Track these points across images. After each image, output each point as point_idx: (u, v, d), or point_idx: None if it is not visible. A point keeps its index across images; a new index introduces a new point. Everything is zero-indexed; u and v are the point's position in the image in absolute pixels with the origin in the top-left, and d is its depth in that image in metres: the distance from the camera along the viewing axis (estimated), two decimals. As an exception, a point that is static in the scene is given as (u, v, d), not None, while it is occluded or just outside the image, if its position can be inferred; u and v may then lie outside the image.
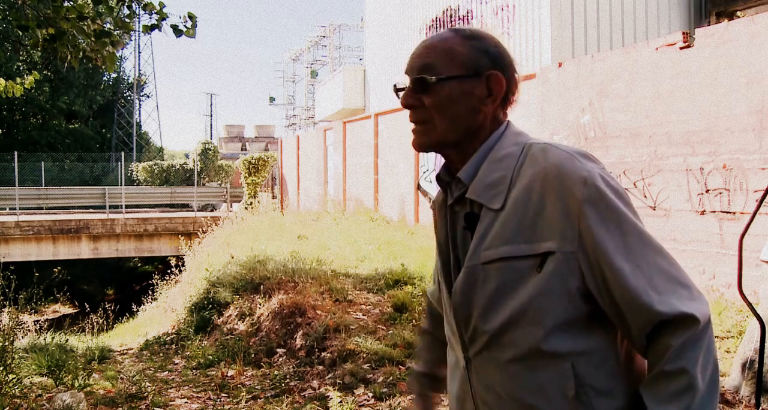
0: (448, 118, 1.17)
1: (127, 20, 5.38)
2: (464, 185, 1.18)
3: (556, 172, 1.07)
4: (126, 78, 40.52)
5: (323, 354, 4.90)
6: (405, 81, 1.24)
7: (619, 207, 1.06)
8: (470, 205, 1.17)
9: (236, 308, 6.74)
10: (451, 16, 12.21)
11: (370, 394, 4.00)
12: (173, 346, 6.81)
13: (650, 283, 1.04)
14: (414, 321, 5.31)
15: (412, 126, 1.23)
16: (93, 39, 4.93)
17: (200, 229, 12.93)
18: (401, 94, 1.22)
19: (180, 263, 10.94)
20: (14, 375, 4.05)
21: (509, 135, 1.19)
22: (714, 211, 5.21)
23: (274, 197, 20.43)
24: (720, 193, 5.14)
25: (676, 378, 1.02)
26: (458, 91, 1.17)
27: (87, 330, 8.13)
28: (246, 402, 4.26)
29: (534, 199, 1.08)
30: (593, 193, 1.05)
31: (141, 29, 5.14)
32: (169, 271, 10.89)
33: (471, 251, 1.14)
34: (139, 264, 26.98)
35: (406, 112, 1.21)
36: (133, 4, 5.17)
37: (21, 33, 4.86)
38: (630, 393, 1.11)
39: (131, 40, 38.71)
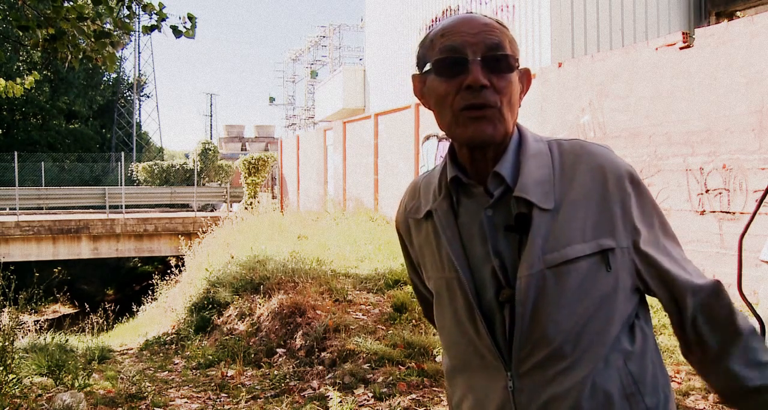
0: (512, 105, 1.08)
1: (127, 21, 5.38)
2: (504, 183, 1.09)
3: (609, 168, 1.08)
4: (126, 78, 40.54)
5: (323, 354, 4.90)
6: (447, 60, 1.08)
7: (653, 200, 1.13)
8: (517, 206, 1.07)
9: (236, 308, 6.74)
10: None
11: (370, 394, 4.00)
12: (173, 346, 6.81)
13: (684, 266, 1.13)
14: (414, 321, 5.31)
15: (466, 112, 1.06)
16: (93, 39, 4.94)
17: (200, 229, 12.93)
18: (441, 74, 1.08)
19: (180, 263, 10.95)
20: (14, 375, 4.05)
21: (525, 131, 1.14)
22: (714, 211, 5.21)
23: (274, 197, 20.43)
24: (720, 193, 5.14)
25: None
26: (516, 79, 1.10)
27: (87, 330, 8.13)
28: (246, 402, 4.26)
29: (589, 197, 1.07)
30: (637, 187, 1.10)
31: (141, 30, 5.14)
32: (169, 271, 10.90)
33: (531, 256, 1.05)
34: (139, 264, 26.98)
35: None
36: (132, 5, 5.17)
37: (21, 33, 4.85)
38: (667, 386, 1.13)
39: (131, 41, 38.76)
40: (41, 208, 22.18)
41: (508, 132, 1.09)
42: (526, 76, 1.15)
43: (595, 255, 1.06)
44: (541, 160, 1.10)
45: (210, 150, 28.00)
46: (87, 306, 12.25)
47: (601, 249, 1.06)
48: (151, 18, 4.99)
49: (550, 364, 1.06)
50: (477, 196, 1.12)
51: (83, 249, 18.65)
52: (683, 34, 5.52)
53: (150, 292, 11.39)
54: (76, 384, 4.61)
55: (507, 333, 1.08)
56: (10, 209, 20.49)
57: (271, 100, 42.87)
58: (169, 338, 7.16)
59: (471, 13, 1.13)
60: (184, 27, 4.98)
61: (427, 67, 1.11)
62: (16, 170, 21.05)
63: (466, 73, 1.05)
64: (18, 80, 6.36)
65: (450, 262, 1.12)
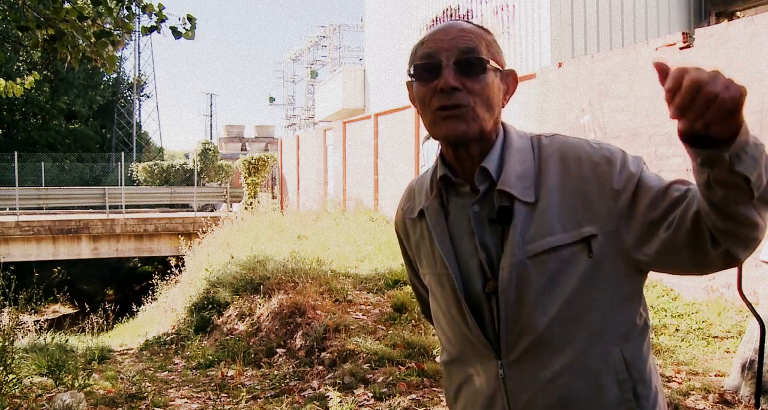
0: (487, 106, 1.12)
1: (127, 21, 5.38)
2: (490, 178, 1.14)
3: (584, 157, 1.12)
4: (126, 78, 40.55)
5: (323, 354, 4.90)
6: (427, 66, 1.13)
7: (638, 167, 1.13)
8: (499, 199, 1.12)
9: (236, 308, 6.74)
10: (451, 16, 12.21)
11: (370, 394, 4.01)
12: (173, 346, 6.81)
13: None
14: (414, 321, 5.31)
15: (440, 112, 1.11)
16: (93, 39, 4.94)
17: (200, 229, 12.93)
18: (420, 78, 1.14)
19: (180, 263, 10.94)
20: (14, 375, 4.06)
21: (510, 129, 1.20)
22: (714, 211, 5.21)
23: (274, 197, 20.44)
24: (720, 193, 5.14)
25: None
26: (495, 81, 1.14)
27: (87, 330, 8.12)
28: (246, 402, 4.26)
29: (566, 188, 1.11)
30: (618, 161, 1.11)
31: (140, 31, 5.14)
32: (169, 271, 10.90)
33: (513, 247, 1.09)
34: (139, 265, 26.96)
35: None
36: (132, 5, 5.17)
37: (21, 33, 4.86)
38: (659, 383, 1.16)
39: (131, 41, 38.76)
40: (41, 208, 22.18)
41: (484, 129, 1.13)
42: (512, 77, 1.20)
43: (577, 244, 1.09)
44: (523, 156, 1.15)
45: (210, 150, 28.00)
46: (87, 306, 12.22)
47: (582, 237, 1.09)
48: (150, 19, 4.99)
49: (537, 351, 1.10)
50: (464, 194, 1.18)
51: (83, 249, 18.65)
52: (683, 34, 5.52)
53: (150, 292, 11.39)
54: (76, 384, 4.61)
55: (496, 323, 1.13)
56: (10, 209, 20.49)
57: (271, 100, 42.88)
58: (169, 338, 7.16)
59: (456, 19, 1.18)
60: (184, 28, 4.98)
61: (411, 72, 1.18)
62: (16, 170, 21.05)
63: (439, 77, 1.11)
64: (18, 80, 6.35)
65: (440, 258, 1.19)
